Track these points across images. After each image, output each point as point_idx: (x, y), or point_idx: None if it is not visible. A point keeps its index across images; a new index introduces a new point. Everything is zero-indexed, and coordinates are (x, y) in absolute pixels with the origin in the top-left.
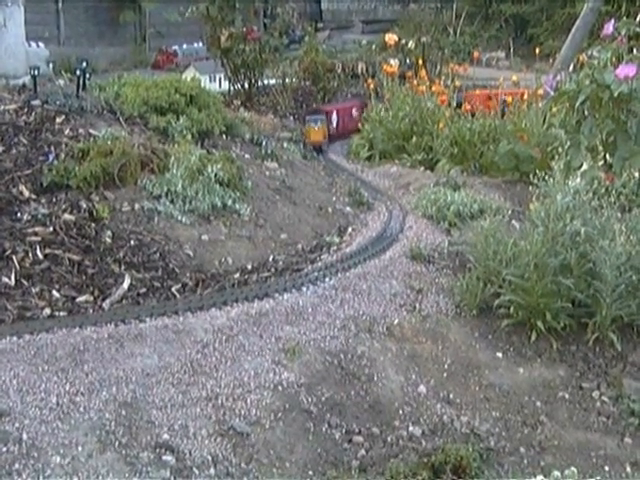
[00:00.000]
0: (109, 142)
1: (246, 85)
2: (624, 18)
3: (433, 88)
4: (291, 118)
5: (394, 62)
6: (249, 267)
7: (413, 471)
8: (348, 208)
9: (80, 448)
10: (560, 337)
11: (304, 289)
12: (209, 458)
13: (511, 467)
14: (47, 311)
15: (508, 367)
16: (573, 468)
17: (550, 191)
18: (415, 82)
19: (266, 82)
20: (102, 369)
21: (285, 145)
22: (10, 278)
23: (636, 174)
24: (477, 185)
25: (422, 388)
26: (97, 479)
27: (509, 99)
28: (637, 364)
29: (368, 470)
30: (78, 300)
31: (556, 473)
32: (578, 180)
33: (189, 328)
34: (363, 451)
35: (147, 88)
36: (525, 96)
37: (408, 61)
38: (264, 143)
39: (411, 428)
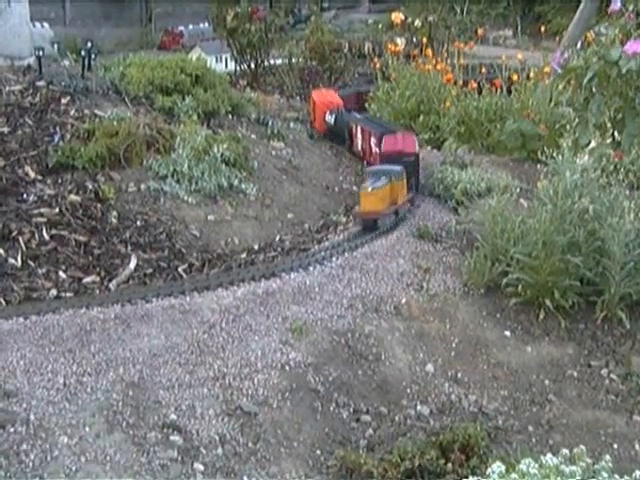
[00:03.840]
0: (115, 123)
1: (252, 65)
2: None
3: (439, 67)
4: (297, 98)
5: (400, 41)
6: (256, 247)
7: (421, 450)
8: (355, 187)
9: (88, 429)
10: (568, 315)
11: (311, 268)
12: (216, 438)
13: (519, 446)
14: (53, 292)
15: (516, 346)
16: (582, 446)
17: (558, 169)
18: (421, 61)
19: (272, 62)
20: (109, 349)
21: (291, 125)
22: (16, 259)
23: None
24: (484, 164)
25: (430, 367)
26: (105, 459)
27: (515, 77)
28: None
29: (376, 449)
30: (84, 281)
31: (565, 451)
32: (586, 158)
33: (196, 308)
34: (371, 430)
35: (152, 68)
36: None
37: (415, 40)
38: (270, 123)
39: (419, 407)
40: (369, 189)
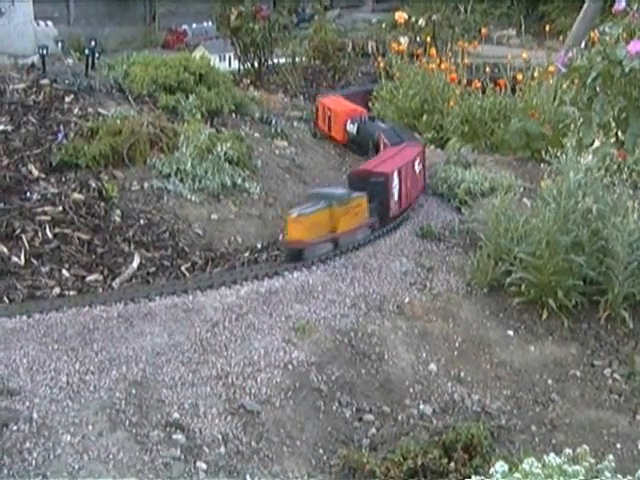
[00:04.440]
0: (118, 121)
1: (256, 64)
2: None
3: (443, 66)
4: (301, 97)
5: (404, 40)
6: (259, 246)
7: (424, 449)
8: None
9: (90, 427)
10: (571, 315)
11: (314, 267)
12: (219, 437)
13: (522, 445)
14: (57, 290)
15: (519, 345)
16: (585, 446)
17: (562, 168)
18: (425, 60)
19: (276, 61)
20: (112, 348)
21: (295, 124)
22: (20, 257)
23: None
24: (488, 163)
25: (433, 366)
26: (108, 458)
27: (519, 76)
28: None
29: (379, 448)
30: (88, 279)
31: (568, 451)
32: (590, 157)
33: (199, 307)
34: (374, 429)
35: (156, 67)
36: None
37: (418, 39)
38: (274, 122)
39: (422, 406)
40: (294, 215)
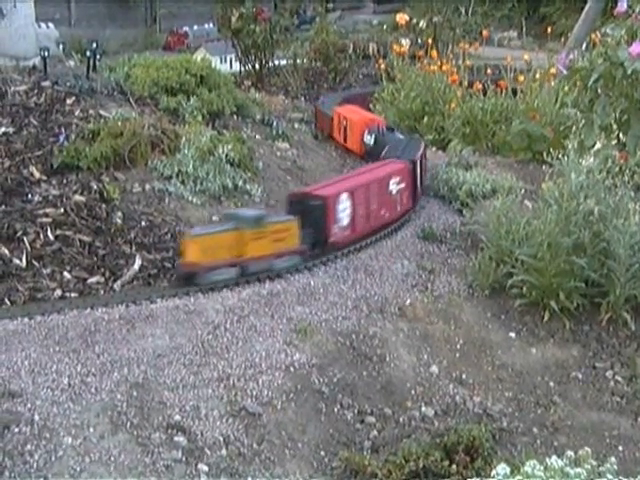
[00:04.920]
0: (119, 123)
1: (257, 66)
2: None
3: (444, 68)
4: (302, 99)
5: (405, 42)
6: None
7: (425, 451)
8: None
9: (92, 429)
10: (573, 317)
11: (316, 269)
12: (221, 439)
13: (524, 447)
14: (58, 292)
15: (521, 347)
16: (587, 448)
17: (563, 170)
18: (426, 62)
19: (277, 63)
20: (113, 350)
21: (296, 126)
22: (21, 259)
23: None
24: (489, 165)
25: (434, 368)
26: (109, 460)
27: (521, 78)
28: None
29: (380, 451)
30: (89, 281)
31: (570, 453)
32: (591, 159)
33: (200, 309)
34: (375, 432)
35: (157, 69)
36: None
37: (420, 41)
38: (275, 124)
39: (423, 409)
40: (191, 235)
